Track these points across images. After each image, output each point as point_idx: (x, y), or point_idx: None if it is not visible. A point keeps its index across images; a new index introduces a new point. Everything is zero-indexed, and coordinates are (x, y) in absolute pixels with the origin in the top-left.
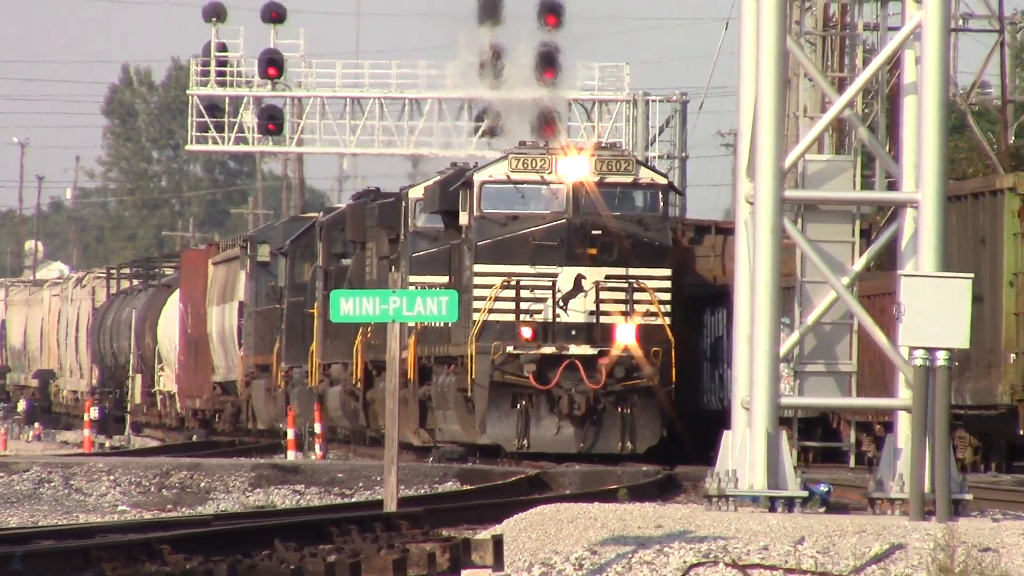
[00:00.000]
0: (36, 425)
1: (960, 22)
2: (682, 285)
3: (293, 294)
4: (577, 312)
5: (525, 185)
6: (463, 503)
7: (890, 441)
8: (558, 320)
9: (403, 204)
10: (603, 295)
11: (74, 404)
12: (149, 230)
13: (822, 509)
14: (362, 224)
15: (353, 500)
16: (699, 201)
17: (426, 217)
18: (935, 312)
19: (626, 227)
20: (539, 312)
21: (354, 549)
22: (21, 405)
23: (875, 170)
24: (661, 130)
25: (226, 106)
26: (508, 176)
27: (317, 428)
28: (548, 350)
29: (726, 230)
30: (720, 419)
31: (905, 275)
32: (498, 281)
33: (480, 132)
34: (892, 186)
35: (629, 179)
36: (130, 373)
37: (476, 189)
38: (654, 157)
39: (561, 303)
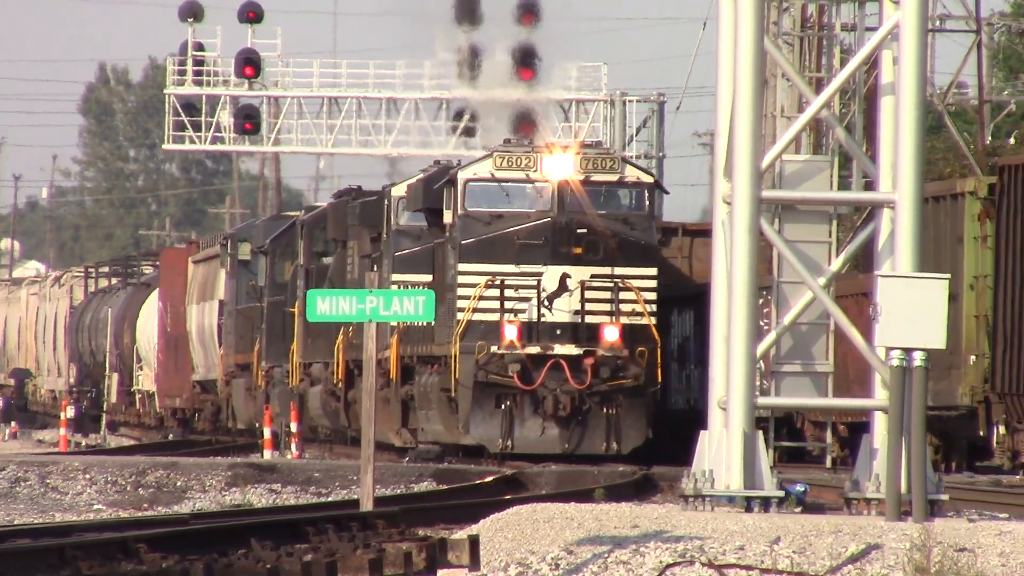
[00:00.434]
0: (12, 424)
1: (937, 23)
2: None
3: (274, 293)
4: (562, 312)
5: (510, 183)
6: (439, 503)
7: (866, 441)
8: (543, 320)
9: (386, 202)
10: (588, 294)
11: (52, 403)
12: (126, 229)
13: (798, 509)
14: (343, 222)
15: (330, 499)
16: (676, 201)
17: (409, 215)
18: (912, 312)
19: (611, 226)
20: (524, 311)
21: (330, 548)
22: None
23: (852, 170)
24: (638, 130)
25: (203, 105)
26: (493, 174)
27: (293, 427)
28: (533, 350)
29: (693, 232)
30: (687, 419)
31: (882, 275)
32: (482, 280)
33: (458, 132)
34: (869, 186)
35: (615, 177)
36: (106, 372)
37: (460, 187)
38: (631, 157)
39: (546, 302)
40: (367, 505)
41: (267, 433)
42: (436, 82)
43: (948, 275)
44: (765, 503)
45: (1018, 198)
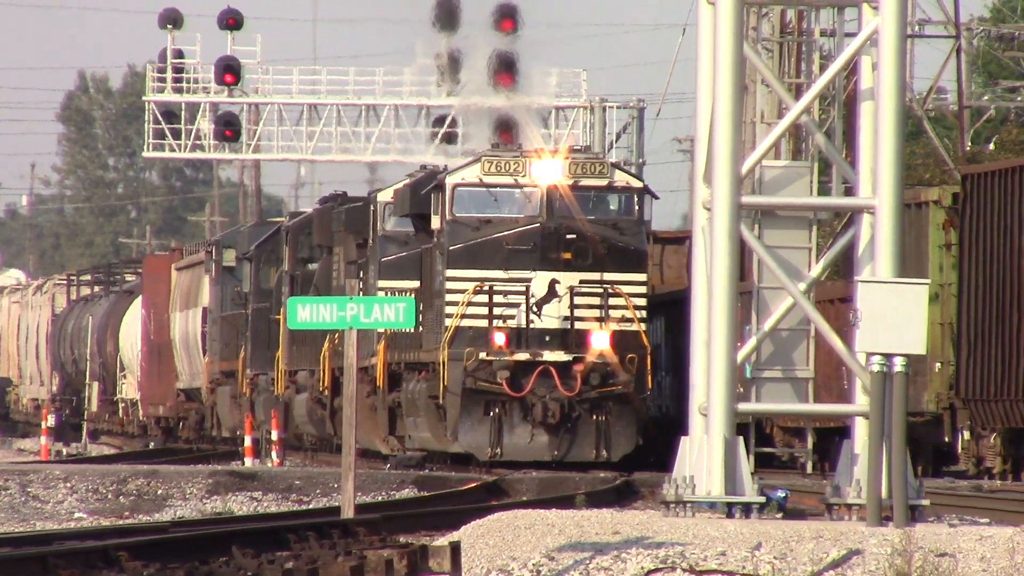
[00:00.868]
0: None
1: (917, 28)
2: None
3: (259, 300)
4: (551, 318)
5: (498, 188)
6: (420, 509)
7: (847, 447)
8: (532, 326)
9: (372, 208)
10: (577, 300)
11: (34, 412)
12: (106, 237)
13: (779, 515)
14: (329, 228)
15: (311, 507)
16: (656, 207)
17: (396, 221)
18: (892, 318)
19: (601, 231)
20: (512, 318)
21: (311, 556)
22: None
23: (832, 176)
24: (618, 136)
25: (183, 113)
26: (481, 179)
27: (274, 435)
28: (522, 356)
29: (664, 240)
30: (659, 425)
31: (862, 281)
32: (471, 286)
33: (438, 138)
34: (849, 192)
35: (604, 182)
36: (87, 381)
37: (448, 192)
38: None
39: (535, 308)
40: (348, 512)
41: (248, 441)
42: (416, 89)
43: (928, 280)
44: (746, 509)
45: (981, 207)
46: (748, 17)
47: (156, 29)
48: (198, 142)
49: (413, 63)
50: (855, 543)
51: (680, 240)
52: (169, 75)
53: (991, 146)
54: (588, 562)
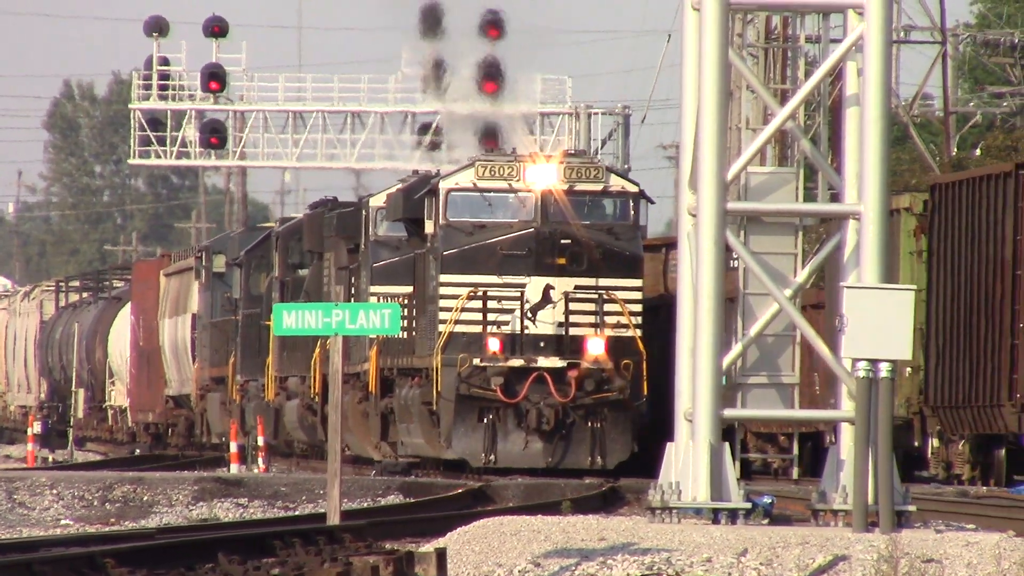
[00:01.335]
0: None
1: (902, 34)
2: None
3: (248, 305)
4: (546, 323)
5: (492, 193)
6: (407, 516)
7: (833, 453)
8: (526, 332)
9: (363, 213)
10: (572, 306)
11: (22, 419)
12: (92, 244)
13: (765, 521)
14: (320, 234)
15: (297, 513)
16: (641, 214)
17: (388, 225)
18: (878, 324)
19: (596, 236)
20: (507, 323)
21: (298, 562)
22: None
23: (818, 182)
24: (603, 143)
25: (168, 120)
26: (475, 184)
27: (260, 441)
28: (516, 362)
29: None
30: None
31: (848, 287)
32: (465, 291)
33: (423, 145)
34: (835, 198)
35: (599, 187)
36: (72, 388)
37: (442, 197)
38: None
39: (529, 314)
40: (334, 519)
41: (233, 447)
42: (401, 96)
43: (915, 286)
44: (732, 515)
45: (950, 216)
46: (733, 23)
47: (142, 37)
48: (184, 149)
49: (398, 70)
50: (841, 549)
51: (657, 247)
52: (155, 82)
53: (977, 152)
54: (574, 568)
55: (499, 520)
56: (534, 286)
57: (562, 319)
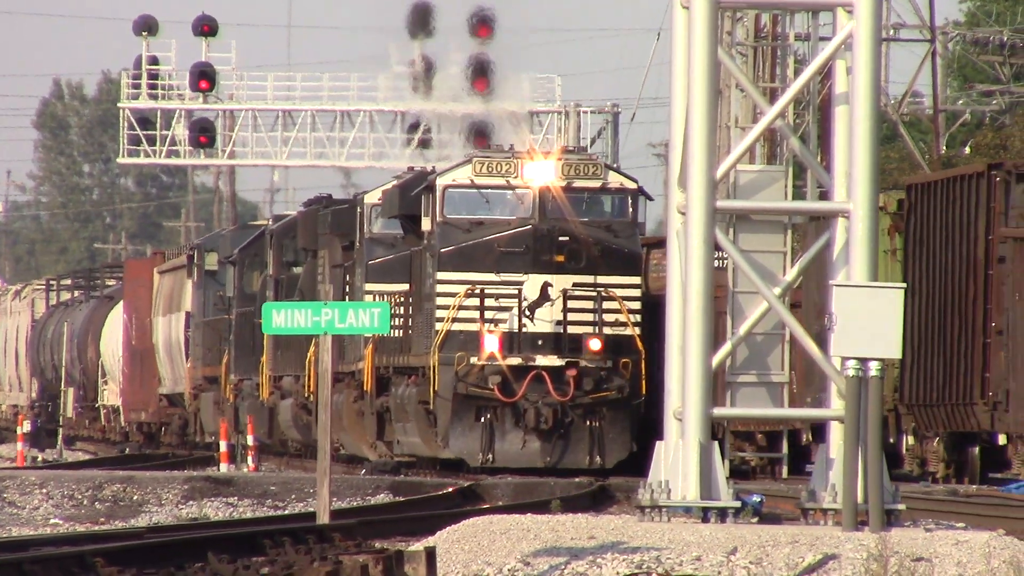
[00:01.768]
0: None
1: (892, 32)
2: None
3: (242, 304)
4: (544, 321)
5: (490, 190)
6: (396, 515)
7: (822, 451)
8: (524, 330)
9: (358, 210)
10: (571, 304)
11: (13, 418)
12: (81, 243)
13: (755, 519)
14: (314, 231)
15: (286, 512)
16: None
17: (383, 223)
18: (867, 322)
19: (594, 233)
20: (504, 321)
21: (287, 561)
22: None
23: (807, 180)
24: (593, 141)
25: (158, 119)
26: (472, 180)
27: (250, 440)
28: (514, 361)
29: None
30: None
31: (837, 285)
32: (462, 289)
33: (413, 144)
34: (824, 196)
35: (597, 184)
36: (62, 387)
37: (439, 193)
38: None
39: (527, 312)
40: (324, 518)
41: (223, 446)
42: (391, 94)
43: (904, 284)
44: (722, 513)
45: (924, 216)
46: (722, 21)
47: (131, 36)
48: (173, 148)
49: (388, 69)
50: (831, 548)
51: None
52: (144, 81)
53: (966, 150)
54: (564, 567)
55: (488, 519)
56: (532, 283)
57: (560, 317)
